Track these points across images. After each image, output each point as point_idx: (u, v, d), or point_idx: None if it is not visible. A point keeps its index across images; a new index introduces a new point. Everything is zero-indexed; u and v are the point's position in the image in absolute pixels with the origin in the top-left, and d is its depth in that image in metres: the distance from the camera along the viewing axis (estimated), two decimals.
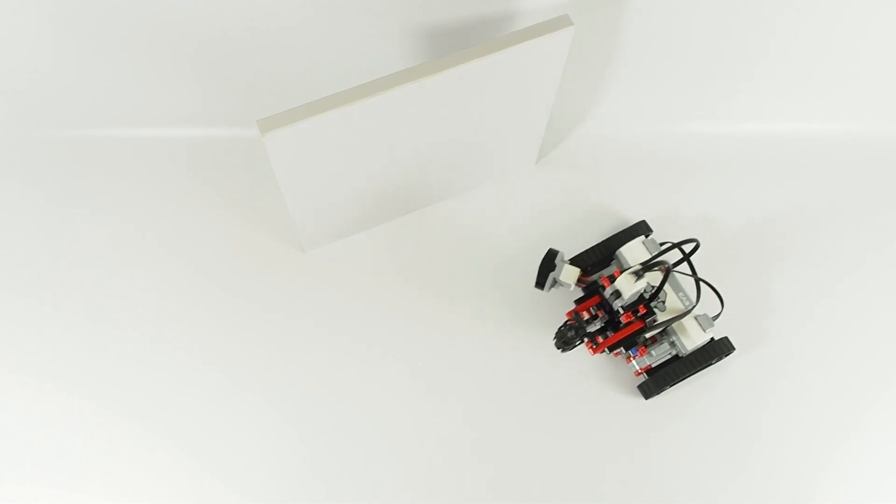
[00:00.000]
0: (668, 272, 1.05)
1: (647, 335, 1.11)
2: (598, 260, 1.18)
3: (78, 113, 1.30)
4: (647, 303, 1.08)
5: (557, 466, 1.12)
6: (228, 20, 1.15)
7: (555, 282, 1.14)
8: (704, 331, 1.09)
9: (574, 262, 1.17)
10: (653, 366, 1.13)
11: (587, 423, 1.14)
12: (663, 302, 1.11)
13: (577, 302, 1.14)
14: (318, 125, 0.96)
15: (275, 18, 1.14)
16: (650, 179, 1.30)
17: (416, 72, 0.97)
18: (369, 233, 1.26)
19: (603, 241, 1.19)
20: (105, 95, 1.28)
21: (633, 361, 1.12)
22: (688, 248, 1.23)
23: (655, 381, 1.11)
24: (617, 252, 1.16)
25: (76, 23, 1.15)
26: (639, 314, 1.08)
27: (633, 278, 1.04)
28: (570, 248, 1.24)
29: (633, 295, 1.06)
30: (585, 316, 1.12)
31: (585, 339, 1.09)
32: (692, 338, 1.10)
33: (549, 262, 1.13)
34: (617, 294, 1.07)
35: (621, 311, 1.08)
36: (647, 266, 1.06)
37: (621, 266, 1.16)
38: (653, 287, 1.09)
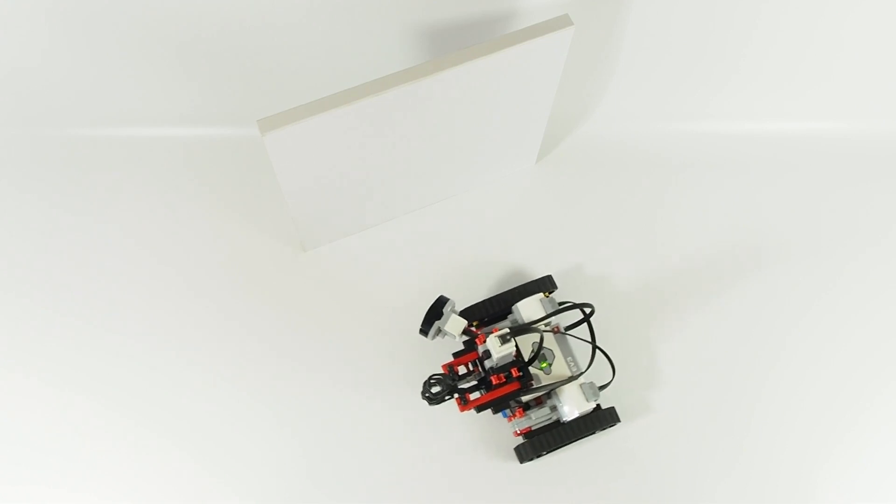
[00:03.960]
0: (541, 341, 1.03)
1: (524, 398, 1.06)
2: (494, 313, 1.13)
3: (73, 112, 1.30)
4: (522, 365, 1.04)
5: None
6: (228, 19, 1.15)
7: (439, 330, 1.08)
8: (588, 400, 1.05)
9: (466, 313, 1.13)
10: (533, 428, 1.08)
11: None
12: (549, 364, 1.07)
13: (456, 355, 1.09)
14: (319, 125, 0.96)
15: (274, 17, 1.15)
16: (648, 179, 1.30)
17: (415, 72, 0.97)
18: (370, 233, 1.26)
19: (499, 294, 1.14)
20: (101, 94, 1.28)
21: (514, 422, 1.07)
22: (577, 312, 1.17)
23: (531, 446, 1.06)
24: (514, 307, 1.12)
25: (71, 20, 1.15)
26: (512, 377, 1.04)
27: (500, 342, 1.00)
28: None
29: (503, 358, 1.02)
30: (462, 370, 1.08)
31: (455, 395, 1.03)
32: (574, 405, 1.05)
33: (436, 310, 1.06)
34: (488, 354, 1.04)
35: (492, 372, 1.04)
36: (517, 330, 1.03)
37: (515, 321, 1.12)
38: (542, 347, 1.05)
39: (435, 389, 1.00)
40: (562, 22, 0.99)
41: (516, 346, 1.05)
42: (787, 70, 1.27)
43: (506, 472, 1.10)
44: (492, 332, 1.01)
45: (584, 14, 1.16)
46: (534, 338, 1.08)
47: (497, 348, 1.00)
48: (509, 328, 1.02)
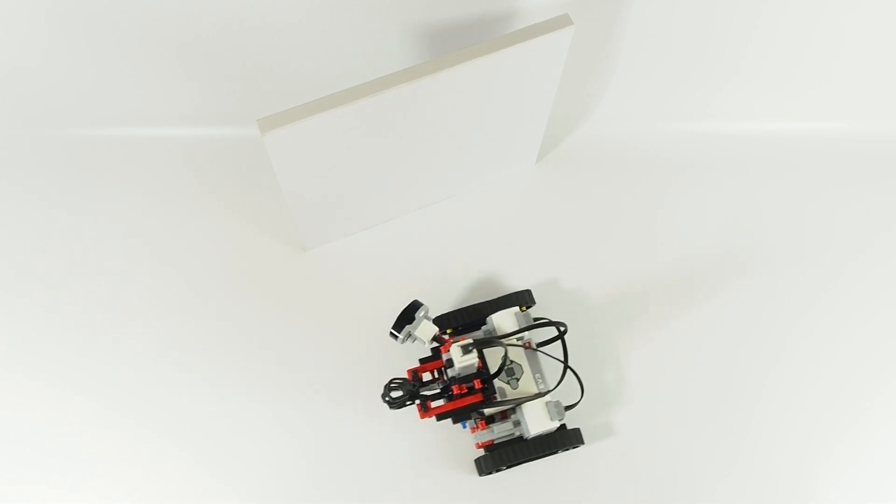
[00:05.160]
0: (505, 355, 1.02)
1: (487, 411, 1.06)
2: (467, 322, 1.13)
3: (73, 112, 1.30)
4: (486, 378, 1.03)
5: None
6: (228, 19, 1.15)
7: (410, 335, 1.06)
8: (552, 419, 1.04)
9: (441, 319, 1.13)
10: (495, 441, 1.07)
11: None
12: (517, 379, 1.06)
13: (422, 361, 1.09)
14: (319, 124, 0.96)
15: (274, 17, 1.15)
16: (648, 179, 1.30)
17: (415, 71, 0.97)
18: (370, 232, 1.26)
19: (475, 305, 1.14)
20: (101, 94, 1.28)
21: (476, 434, 1.06)
22: (548, 330, 1.17)
23: (490, 459, 1.06)
24: (488, 318, 1.12)
25: (71, 20, 1.15)
26: (474, 388, 1.03)
27: (461, 352, 0.98)
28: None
29: (465, 368, 1.01)
30: (427, 377, 1.07)
31: (416, 401, 1.02)
32: (537, 423, 1.04)
33: (408, 314, 1.04)
34: (451, 363, 1.03)
35: (453, 382, 1.03)
36: (481, 342, 1.02)
37: (490, 332, 1.12)
38: (511, 361, 1.05)
39: (395, 394, 0.98)
40: (562, 22, 0.99)
41: (482, 358, 1.05)
42: (787, 70, 1.27)
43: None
44: (459, 341, 1.00)
45: (584, 14, 1.16)
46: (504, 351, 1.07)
47: (459, 358, 0.99)
48: (473, 339, 1.01)
